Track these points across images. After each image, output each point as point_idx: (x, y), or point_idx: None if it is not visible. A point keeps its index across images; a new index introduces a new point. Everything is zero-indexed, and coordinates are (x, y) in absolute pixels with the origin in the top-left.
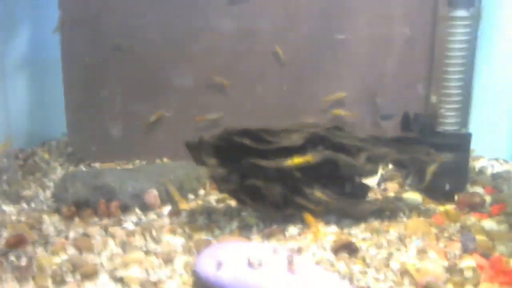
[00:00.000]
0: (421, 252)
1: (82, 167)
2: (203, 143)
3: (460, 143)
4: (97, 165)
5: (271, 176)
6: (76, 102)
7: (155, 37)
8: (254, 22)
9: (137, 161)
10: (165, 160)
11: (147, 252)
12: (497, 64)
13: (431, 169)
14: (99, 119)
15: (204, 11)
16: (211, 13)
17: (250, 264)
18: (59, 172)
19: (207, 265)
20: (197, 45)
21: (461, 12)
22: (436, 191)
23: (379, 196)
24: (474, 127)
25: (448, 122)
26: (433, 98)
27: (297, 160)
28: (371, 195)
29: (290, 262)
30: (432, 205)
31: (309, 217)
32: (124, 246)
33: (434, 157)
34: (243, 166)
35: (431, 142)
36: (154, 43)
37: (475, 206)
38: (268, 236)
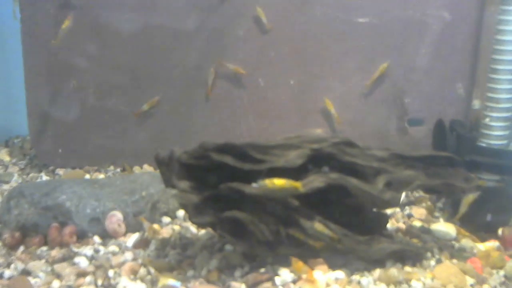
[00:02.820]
0: None
1: (43, 175)
2: (174, 160)
3: (508, 163)
4: (61, 172)
5: (259, 206)
6: (39, 94)
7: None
8: None
9: (112, 167)
10: (145, 166)
11: None
12: None
13: (468, 200)
14: (67, 115)
15: None
16: None
17: None
18: (14, 180)
19: None
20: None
21: None
22: (475, 222)
23: (401, 225)
24: None
25: (494, 135)
26: (476, 103)
27: (278, 182)
28: (390, 225)
29: None
30: (469, 241)
31: (297, 262)
32: None
33: (474, 184)
34: (222, 193)
35: (471, 160)
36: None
37: None
38: (252, 285)
